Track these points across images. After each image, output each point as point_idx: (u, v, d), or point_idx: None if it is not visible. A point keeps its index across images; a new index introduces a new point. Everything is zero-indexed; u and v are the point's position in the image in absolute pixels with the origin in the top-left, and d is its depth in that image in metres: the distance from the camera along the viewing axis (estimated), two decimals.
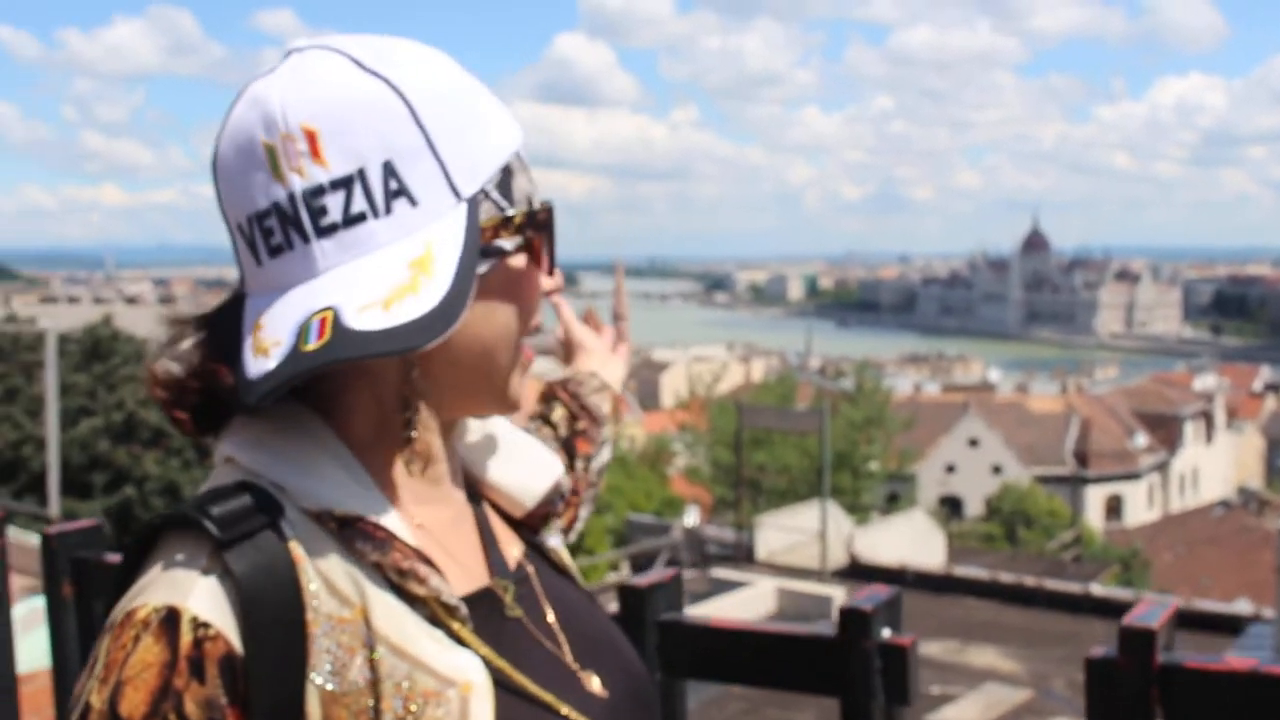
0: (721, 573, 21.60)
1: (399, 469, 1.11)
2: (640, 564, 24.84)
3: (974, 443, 65.42)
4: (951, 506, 61.83)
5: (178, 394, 1.09)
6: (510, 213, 1.09)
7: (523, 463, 1.27)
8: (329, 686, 0.97)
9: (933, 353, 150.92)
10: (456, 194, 1.04)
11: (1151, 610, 1.14)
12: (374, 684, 0.98)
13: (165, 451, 29.93)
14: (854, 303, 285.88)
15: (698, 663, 1.39)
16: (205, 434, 1.11)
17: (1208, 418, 73.54)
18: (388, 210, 1.01)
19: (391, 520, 1.04)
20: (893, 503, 47.48)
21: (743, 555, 23.28)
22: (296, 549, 1.00)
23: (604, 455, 1.69)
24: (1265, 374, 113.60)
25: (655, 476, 47.14)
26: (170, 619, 0.94)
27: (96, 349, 32.52)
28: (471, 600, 1.09)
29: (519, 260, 1.11)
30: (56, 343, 19.59)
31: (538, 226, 1.11)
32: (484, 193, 1.07)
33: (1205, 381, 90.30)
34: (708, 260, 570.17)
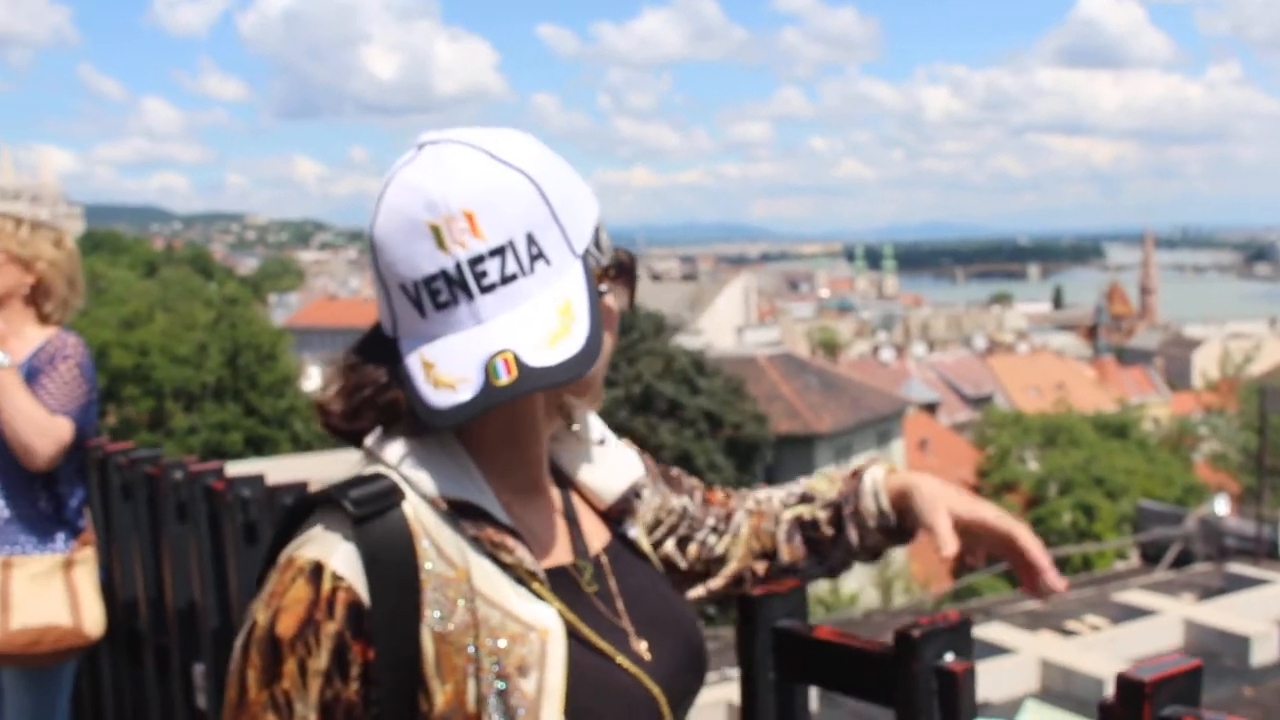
0: (1238, 568, 20.32)
1: (505, 468, 1.40)
2: (1151, 553, 23.78)
3: None
4: None
5: (346, 415, 1.38)
6: (605, 262, 1.40)
7: (606, 465, 1.54)
8: (438, 628, 1.27)
9: None
10: (574, 253, 1.35)
11: None
12: (473, 627, 1.28)
13: (679, 423, 31.31)
14: None
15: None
16: (348, 437, 1.41)
17: None
18: (532, 270, 1.31)
19: (490, 505, 1.34)
20: None
21: (1264, 551, 21.76)
22: (415, 525, 1.30)
23: (818, 575, 1.73)
24: None
25: (1178, 461, 44.88)
26: (317, 570, 1.27)
27: (620, 325, 34.39)
28: (552, 573, 1.37)
29: (612, 299, 1.43)
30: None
31: (622, 270, 1.44)
32: (589, 249, 1.37)
33: None
34: (1249, 228, 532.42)
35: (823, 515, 1.68)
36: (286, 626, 1.25)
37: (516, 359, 1.26)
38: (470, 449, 1.37)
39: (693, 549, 1.68)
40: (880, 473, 1.68)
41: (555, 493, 1.48)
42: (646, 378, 31.10)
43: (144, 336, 41.44)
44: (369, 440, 1.37)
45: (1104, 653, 15.72)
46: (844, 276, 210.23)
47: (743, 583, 1.69)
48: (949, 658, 1.35)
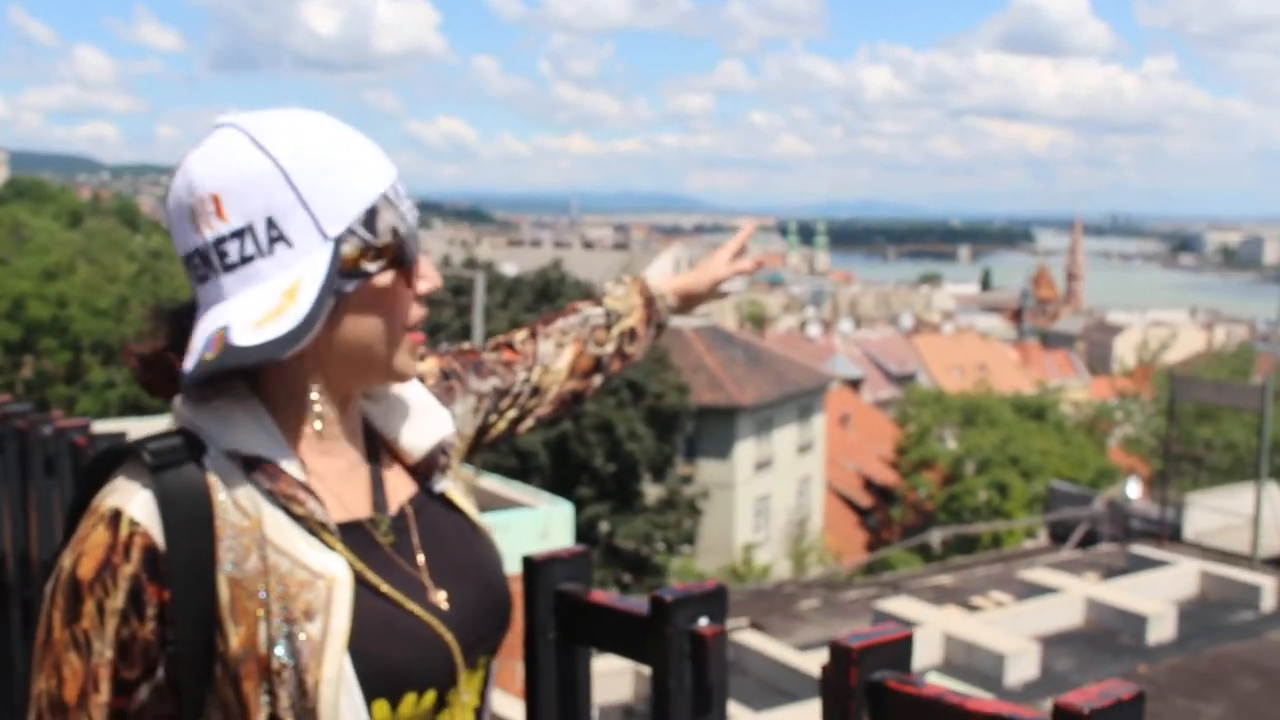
0: (1141, 550, 20.70)
1: (302, 425, 1.48)
2: (1059, 533, 24.18)
3: None
4: None
5: (148, 367, 1.48)
6: (379, 243, 1.44)
7: (416, 424, 1.61)
8: (232, 574, 1.36)
9: None
10: (324, 236, 1.40)
11: None
12: (264, 573, 1.36)
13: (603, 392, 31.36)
14: None
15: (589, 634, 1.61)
16: (166, 395, 1.50)
17: None
18: (271, 252, 1.39)
19: (284, 460, 1.42)
20: None
21: (1167, 533, 22.18)
22: (212, 477, 1.39)
23: (617, 375, 2.06)
24: None
25: (1093, 444, 45.59)
26: (115, 516, 1.35)
27: (547, 290, 34.38)
28: (346, 526, 1.45)
29: (384, 278, 1.46)
30: (484, 286, 20.89)
31: (395, 252, 1.46)
32: (351, 231, 1.41)
33: None
34: (1175, 219, 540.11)
35: (639, 326, 2.06)
36: (86, 569, 1.33)
37: (224, 336, 1.35)
38: (269, 409, 1.45)
39: (514, 411, 1.87)
40: (655, 282, 2.14)
41: (362, 449, 1.56)
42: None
43: (64, 288, 40.75)
44: (177, 400, 1.46)
45: (1006, 628, 15.99)
46: (777, 251, 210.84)
47: (572, 402, 1.97)
48: (703, 622, 1.42)
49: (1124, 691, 1.11)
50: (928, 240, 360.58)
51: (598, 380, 1.99)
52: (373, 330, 1.46)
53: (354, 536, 1.45)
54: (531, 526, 9.49)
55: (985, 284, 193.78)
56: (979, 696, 1.19)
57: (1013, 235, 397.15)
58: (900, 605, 16.94)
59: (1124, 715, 1.10)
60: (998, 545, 30.26)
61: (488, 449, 1.89)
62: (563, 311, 2.01)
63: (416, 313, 1.51)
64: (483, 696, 1.57)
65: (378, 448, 1.58)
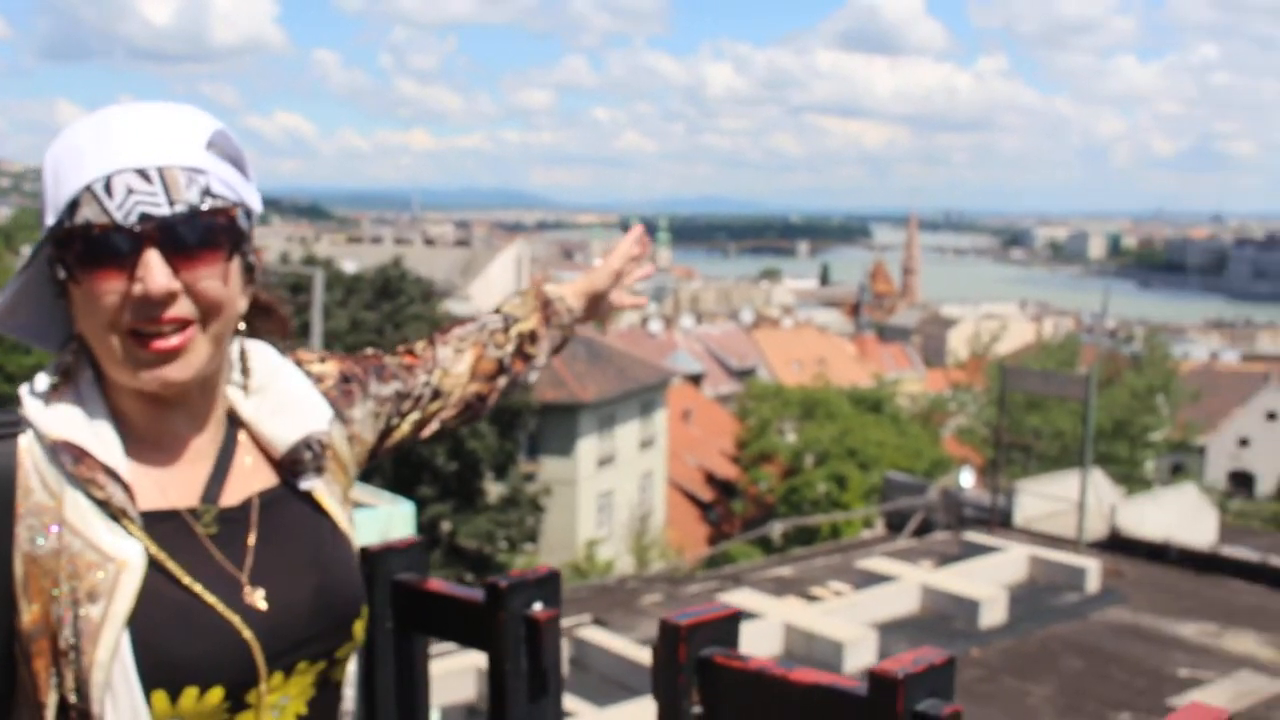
0: (974, 536, 21.25)
1: (137, 415, 1.48)
2: (895, 522, 24.67)
3: (1272, 416, 62.03)
4: (1242, 483, 58.89)
5: None
6: (64, 236, 1.42)
7: (283, 416, 1.60)
8: (29, 550, 1.38)
9: (1240, 319, 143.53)
10: (45, 225, 1.43)
11: None
12: (58, 553, 1.38)
13: None
14: (1159, 263, 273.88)
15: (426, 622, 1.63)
16: None
17: None
18: (39, 240, 1.45)
19: (95, 445, 1.42)
20: (1176, 475, 45.64)
21: (998, 520, 22.82)
22: (25, 457, 1.43)
23: (529, 378, 2.08)
24: None
25: (928, 435, 46.58)
26: None
27: (387, 288, 33.98)
28: (157, 514, 1.45)
29: (82, 274, 1.42)
30: (323, 283, 20.63)
31: (83, 247, 1.41)
32: (60, 222, 1.41)
33: None
34: (1006, 214, 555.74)
35: (539, 328, 2.05)
36: None
37: None
38: (111, 397, 1.47)
39: (416, 414, 1.86)
40: (552, 287, 2.13)
41: (217, 438, 1.55)
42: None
43: None
44: (22, 387, 1.50)
45: (845, 617, 16.27)
46: None
47: (477, 404, 1.96)
48: (537, 607, 1.45)
49: (936, 657, 1.17)
50: (768, 236, 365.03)
51: (502, 382, 1.99)
52: (86, 328, 1.45)
53: (165, 525, 1.45)
54: (372, 526, 9.37)
55: (824, 279, 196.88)
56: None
57: (851, 231, 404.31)
58: (741, 597, 17.13)
59: (936, 678, 1.16)
60: (836, 536, 30.77)
61: (392, 454, 1.87)
62: (460, 322, 2.01)
63: (131, 315, 1.41)
64: (318, 705, 1.54)
65: (234, 440, 1.57)
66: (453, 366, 1.91)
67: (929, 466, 39.05)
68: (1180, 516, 23.06)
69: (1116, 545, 21.60)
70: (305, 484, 1.59)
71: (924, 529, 23.66)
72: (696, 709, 1.29)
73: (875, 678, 1.19)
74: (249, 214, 1.50)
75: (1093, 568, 19.27)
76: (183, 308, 1.41)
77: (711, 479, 48.97)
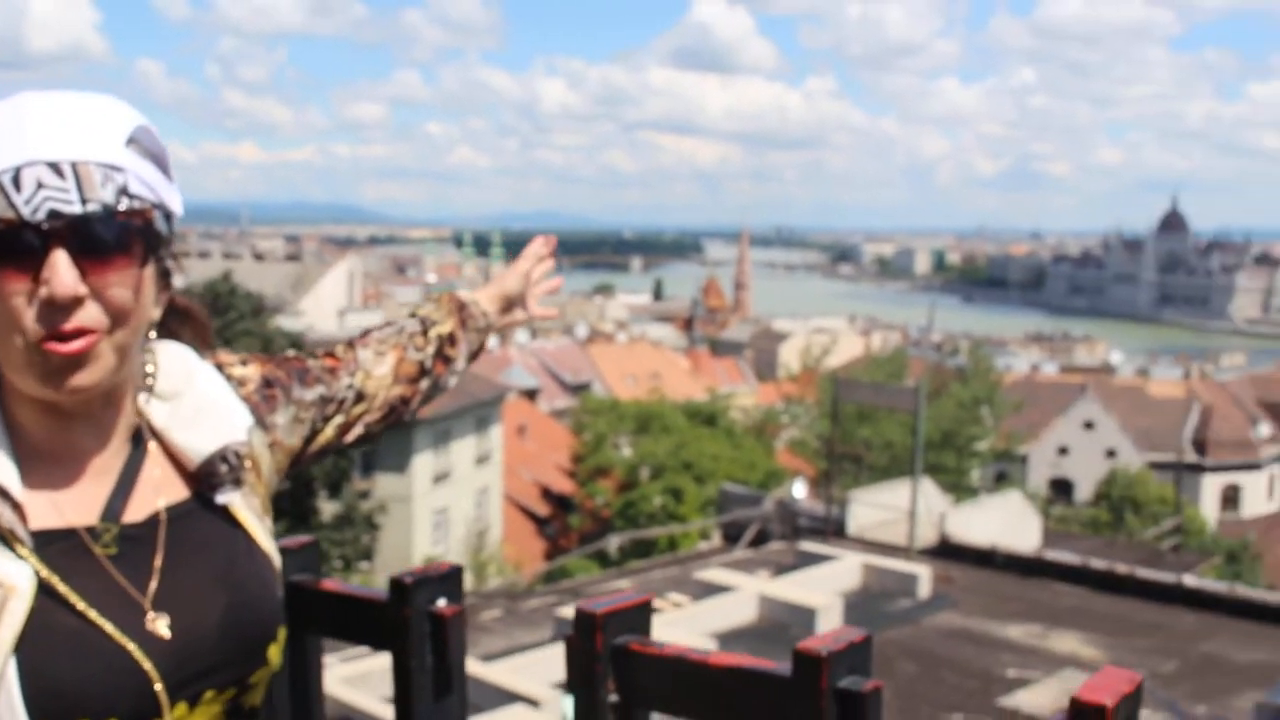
0: (809, 546, 21.59)
1: (34, 427, 1.39)
2: (732, 534, 24.92)
3: (1089, 425, 64.22)
4: (1062, 489, 60.85)
5: None
6: None
7: (199, 426, 1.50)
8: None
9: (1058, 332, 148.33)
10: None
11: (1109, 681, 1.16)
12: None
13: None
14: (982, 279, 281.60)
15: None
16: None
17: None
18: None
19: None
20: (1001, 483, 46.94)
21: (832, 529, 23.23)
22: None
23: (449, 382, 2.02)
24: None
25: (761, 448, 47.14)
26: None
27: (216, 304, 33.26)
28: (53, 534, 1.35)
29: None
30: None
31: None
32: None
33: None
34: (835, 231, 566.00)
35: (457, 330, 2.00)
36: None
37: None
38: (4, 408, 1.38)
39: (340, 418, 1.76)
40: (465, 292, 2.08)
41: (123, 451, 1.45)
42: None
43: None
44: None
45: (684, 628, 16.35)
46: (452, 262, 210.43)
47: (401, 407, 1.88)
48: (441, 603, 1.45)
49: (854, 635, 1.21)
50: (602, 251, 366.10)
51: (424, 385, 1.93)
52: None
53: (60, 545, 1.35)
54: None
55: (657, 294, 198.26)
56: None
57: (683, 246, 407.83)
58: None
59: (855, 656, 1.21)
60: (674, 548, 30.96)
61: (315, 460, 1.79)
62: (377, 328, 1.95)
63: (40, 320, 1.30)
64: None
65: (142, 453, 1.47)
66: (375, 369, 1.84)
67: (763, 478, 39.52)
68: (1005, 523, 23.75)
69: (946, 552, 22.14)
70: (221, 498, 1.50)
71: (760, 539, 23.95)
72: (613, 697, 1.31)
73: (800, 656, 1.22)
74: (168, 216, 1.41)
75: (924, 574, 19.73)
76: (89, 314, 1.30)
77: (548, 494, 48.89)
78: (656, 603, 18.42)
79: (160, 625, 1.37)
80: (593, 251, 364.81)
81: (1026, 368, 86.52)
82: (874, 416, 37.50)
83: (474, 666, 14.45)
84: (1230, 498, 64.58)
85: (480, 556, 37.34)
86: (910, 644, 17.35)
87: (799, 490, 27.04)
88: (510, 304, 2.19)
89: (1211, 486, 63.68)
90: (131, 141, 1.36)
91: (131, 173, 1.34)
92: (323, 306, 55.94)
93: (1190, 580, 20.69)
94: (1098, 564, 21.42)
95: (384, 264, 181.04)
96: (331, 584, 1.58)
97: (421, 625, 1.43)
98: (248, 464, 1.55)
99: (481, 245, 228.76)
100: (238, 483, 1.51)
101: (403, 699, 1.43)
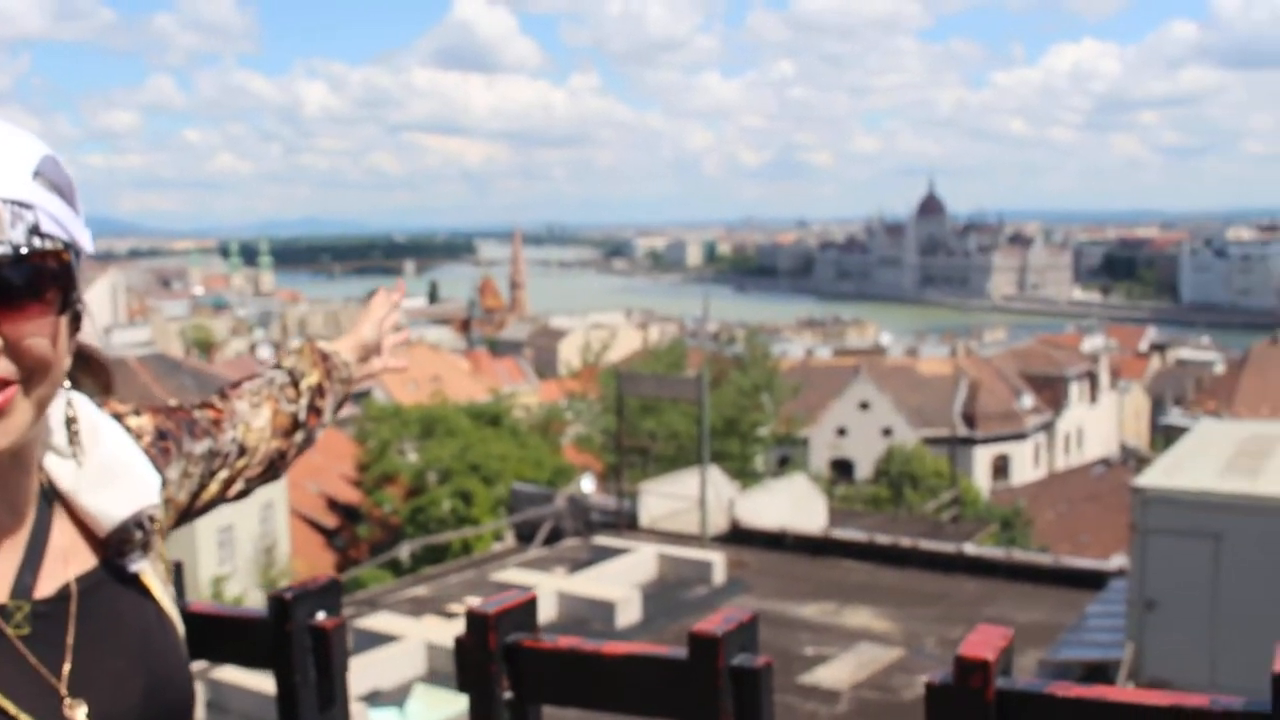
0: (604, 540, 21.74)
1: None
2: (525, 533, 24.92)
3: (865, 406, 66.18)
4: (843, 469, 62.58)
5: None
6: None
7: (110, 489, 1.38)
8: None
9: (829, 317, 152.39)
10: None
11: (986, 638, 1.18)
12: None
13: None
14: (752, 268, 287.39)
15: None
16: None
17: (1092, 378, 75.03)
18: None
19: None
20: (784, 467, 47.99)
21: (625, 522, 23.42)
22: None
23: (318, 434, 1.97)
24: (1151, 334, 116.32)
25: (547, 445, 47.24)
26: None
27: None
28: None
29: None
30: None
31: None
32: None
33: (1092, 343, 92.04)
34: (607, 227, 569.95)
35: (324, 381, 1.94)
36: None
37: None
38: None
39: (225, 472, 1.68)
40: (325, 343, 2.02)
41: (30, 517, 1.32)
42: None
43: None
44: None
45: None
46: (219, 273, 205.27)
47: (279, 461, 1.82)
48: (320, 616, 1.41)
49: (743, 616, 1.23)
50: (372, 256, 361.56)
51: (299, 438, 1.87)
52: None
53: None
54: None
55: (433, 297, 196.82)
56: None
57: (456, 248, 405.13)
58: (380, 621, 16.94)
59: (745, 635, 1.25)
60: (468, 551, 30.80)
61: (198, 516, 1.68)
62: (246, 379, 1.86)
63: None
64: None
65: (49, 518, 1.35)
66: (253, 421, 1.76)
67: (551, 475, 39.62)
68: (793, 505, 24.29)
69: (738, 537, 22.56)
70: (133, 566, 1.39)
71: (554, 537, 24.01)
72: (508, 694, 1.31)
73: (695, 638, 1.25)
74: (78, 255, 1.27)
75: (718, 560, 20.08)
76: (2, 367, 1.18)
77: (334, 505, 48.11)
78: (454, 607, 18.34)
79: (79, 713, 1.26)
80: (364, 257, 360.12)
81: (801, 353, 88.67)
82: (657, 408, 37.92)
83: (273, 687, 14.14)
84: (1000, 467, 67.38)
85: (270, 573, 36.57)
86: None
87: (588, 485, 27.20)
88: (367, 353, 2.14)
89: (983, 458, 66.34)
90: (39, 174, 1.23)
91: (41, 209, 1.21)
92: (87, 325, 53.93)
93: (970, 549, 21.54)
94: (883, 539, 22.12)
95: (147, 277, 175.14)
96: (202, 605, 1.52)
97: (303, 639, 1.38)
98: (157, 528, 1.45)
99: (249, 254, 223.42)
100: (146, 548, 1.42)
101: (288, 714, 1.39)
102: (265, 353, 79.96)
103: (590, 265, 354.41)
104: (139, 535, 1.39)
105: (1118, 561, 19.33)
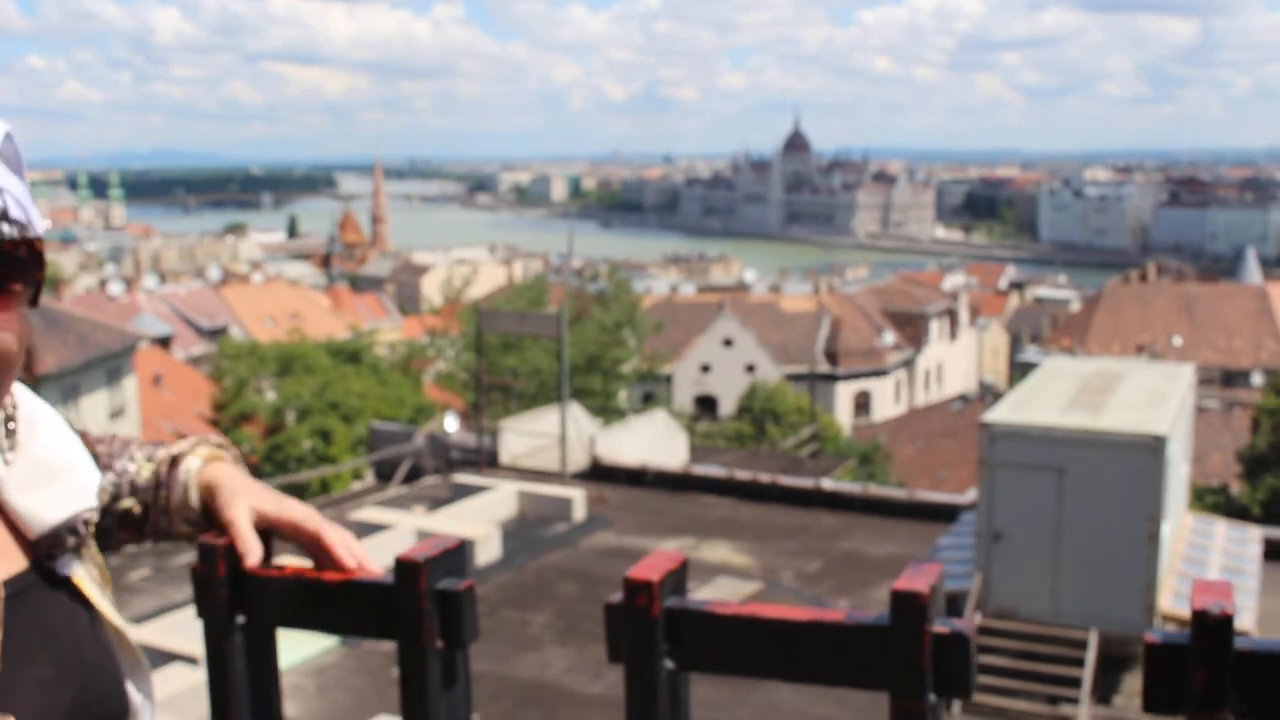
0: (464, 478, 21.61)
1: None
2: (384, 471, 24.68)
3: (728, 343, 66.73)
4: (707, 406, 63.09)
5: None
6: None
7: (45, 490, 1.27)
8: None
9: (694, 254, 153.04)
10: None
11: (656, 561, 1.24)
12: None
13: None
14: (618, 204, 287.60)
15: None
16: None
17: (952, 316, 76.51)
18: None
19: None
20: (648, 403, 48.18)
21: (485, 460, 23.30)
22: None
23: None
24: (1010, 273, 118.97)
25: (409, 383, 46.85)
26: None
27: None
28: None
29: None
30: None
31: None
32: None
33: (953, 280, 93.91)
34: (471, 161, 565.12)
35: (137, 507, 1.48)
36: None
37: None
38: None
39: (129, 501, 1.47)
40: (196, 465, 1.49)
41: None
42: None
43: None
44: None
45: None
46: (67, 206, 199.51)
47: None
48: (451, 581, 1.36)
49: (449, 543, 1.32)
50: (229, 189, 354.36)
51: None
52: None
53: None
54: None
55: (292, 231, 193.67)
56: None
57: (315, 181, 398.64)
58: None
59: (451, 560, 1.32)
60: (327, 490, 30.44)
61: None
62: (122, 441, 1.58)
63: None
64: None
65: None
66: (136, 479, 1.50)
67: (412, 414, 39.34)
68: (654, 442, 24.38)
69: (598, 474, 22.60)
70: (64, 569, 1.28)
71: (414, 475, 23.83)
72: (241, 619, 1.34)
73: (400, 564, 1.29)
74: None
75: (578, 497, 20.09)
76: None
77: None
78: None
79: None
80: (219, 189, 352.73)
81: (666, 289, 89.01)
82: (519, 345, 37.74)
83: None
84: (861, 404, 68.52)
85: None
86: (569, 565, 17.63)
87: (452, 424, 27.01)
88: (259, 518, 1.50)
89: (844, 394, 67.36)
90: (0, 155, 1.09)
91: (9, 193, 1.07)
92: None
93: (828, 484, 21.81)
94: (742, 475, 22.31)
95: None
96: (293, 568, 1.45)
97: (431, 608, 1.32)
98: (91, 529, 1.32)
99: (99, 187, 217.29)
100: (79, 551, 1.30)
101: (413, 687, 1.33)
102: (116, 288, 77.75)
103: (454, 200, 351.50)
104: (72, 540, 1.28)
105: (971, 495, 19.72)
